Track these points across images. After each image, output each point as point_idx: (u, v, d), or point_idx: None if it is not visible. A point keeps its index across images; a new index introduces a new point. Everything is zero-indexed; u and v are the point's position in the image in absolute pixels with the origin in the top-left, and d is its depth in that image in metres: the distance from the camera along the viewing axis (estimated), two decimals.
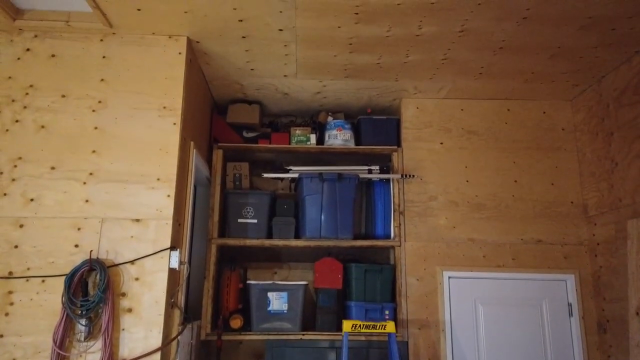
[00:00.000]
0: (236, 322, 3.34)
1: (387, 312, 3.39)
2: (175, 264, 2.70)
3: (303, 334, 3.34)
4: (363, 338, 3.32)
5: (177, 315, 2.81)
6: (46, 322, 2.54)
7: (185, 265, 2.87)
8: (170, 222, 2.72)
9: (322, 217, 3.41)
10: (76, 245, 2.66)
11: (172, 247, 2.72)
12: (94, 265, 2.57)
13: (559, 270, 3.44)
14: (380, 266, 3.49)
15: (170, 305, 2.75)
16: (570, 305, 3.39)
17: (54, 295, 2.57)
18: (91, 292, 2.57)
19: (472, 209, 3.55)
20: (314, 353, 3.32)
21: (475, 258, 3.47)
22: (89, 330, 2.51)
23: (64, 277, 2.55)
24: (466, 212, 3.55)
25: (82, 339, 2.50)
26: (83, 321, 2.50)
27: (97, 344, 2.52)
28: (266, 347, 3.31)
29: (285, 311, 3.38)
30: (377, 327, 2.97)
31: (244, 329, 3.38)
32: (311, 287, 3.86)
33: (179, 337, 2.77)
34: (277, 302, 3.39)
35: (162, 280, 2.66)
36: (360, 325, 2.97)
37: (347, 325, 2.95)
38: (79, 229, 2.68)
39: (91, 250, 2.62)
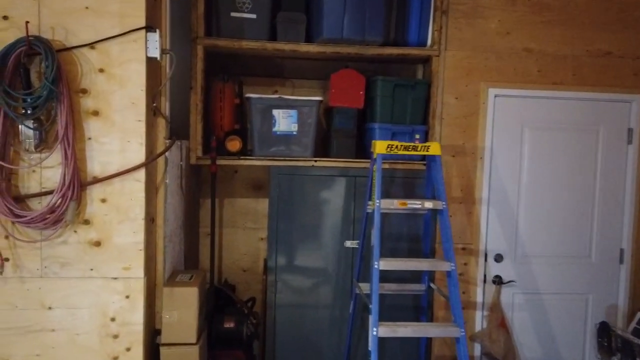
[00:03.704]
0: (234, 144, 2.69)
1: (417, 137, 2.80)
2: (155, 52, 1.92)
3: (315, 160, 2.76)
4: (387, 166, 2.77)
5: (161, 125, 2.11)
6: None
7: (169, 56, 2.07)
8: None
9: (346, 10, 2.58)
10: (5, 17, 1.80)
11: (149, 27, 1.90)
12: (35, 44, 1.75)
13: (624, 89, 2.86)
14: (414, 80, 2.80)
15: (152, 111, 2.02)
16: (630, 130, 2.89)
17: None
18: (35, 84, 1.80)
19: (532, 10, 2.79)
20: (327, 182, 2.78)
21: (528, 73, 2.82)
22: (40, 136, 1.80)
23: None
24: (524, 14, 2.79)
25: (32, 147, 1.80)
26: (30, 123, 1.77)
27: (55, 156, 1.83)
28: (271, 174, 2.74)
29: (294, 133, 2.73)
30: (419, 149, 2.38)
31: (243, 154, 2.76)
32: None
33: (166, 154, 2.11)
34: (285, 121, 2.73)
35: (138, 73, 1.90)
36: (397, 146, 2.36)
37: (380, 146, 2.34)
38: None
39: (27, 22, 1.77)
